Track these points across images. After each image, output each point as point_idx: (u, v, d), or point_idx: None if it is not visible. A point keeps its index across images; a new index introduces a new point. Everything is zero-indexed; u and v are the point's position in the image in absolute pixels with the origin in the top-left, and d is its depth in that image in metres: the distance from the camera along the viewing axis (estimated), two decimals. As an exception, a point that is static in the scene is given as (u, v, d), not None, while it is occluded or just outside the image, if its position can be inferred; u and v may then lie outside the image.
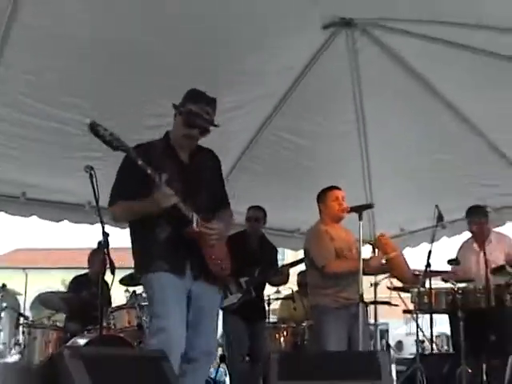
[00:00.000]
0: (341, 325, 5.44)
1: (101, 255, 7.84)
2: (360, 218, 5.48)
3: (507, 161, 7.93)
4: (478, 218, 6.91)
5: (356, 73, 7.08)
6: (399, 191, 8.58)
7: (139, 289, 6.71)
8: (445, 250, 7.40)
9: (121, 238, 6.36)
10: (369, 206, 5.66)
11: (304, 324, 7.02)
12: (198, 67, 6.24)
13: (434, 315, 6.73)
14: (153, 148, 4.23)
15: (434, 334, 9.06)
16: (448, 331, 7.26)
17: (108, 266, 4.43)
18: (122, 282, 7.43)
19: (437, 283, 6.75)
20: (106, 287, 7.55)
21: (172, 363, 3.60)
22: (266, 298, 7.63)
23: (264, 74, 6.77)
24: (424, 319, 6.89)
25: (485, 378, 6.24)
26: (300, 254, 6.58)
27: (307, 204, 8.77)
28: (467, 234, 8.15)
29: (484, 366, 6.31)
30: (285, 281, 7.47)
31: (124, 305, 7.09)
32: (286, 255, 30.44)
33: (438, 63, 6.69)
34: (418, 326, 6.63)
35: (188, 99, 4.29)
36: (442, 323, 7.02)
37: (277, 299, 8.14)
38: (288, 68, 6.93)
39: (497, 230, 7.62)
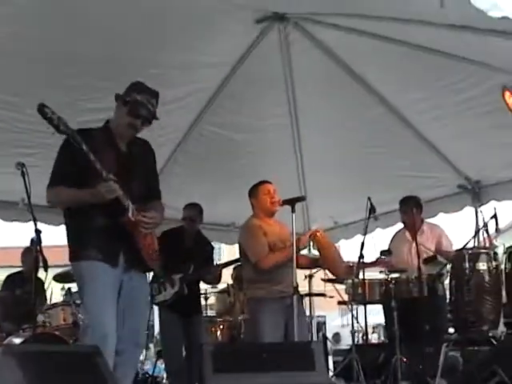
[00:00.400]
0: (276, 316, 5.44)
1: (34, 253, 7.79)
2: (293, 211, 5.48)
3: (438, 153, 8.07)
4: (409, 208, 6.99)
5: (288, 66, 7.10)
6: (332, 184, 8.66)
7: (74, 286, 6.62)
8: (382, 241, 7.46)
9: (55, 236, 6.27)
10: (301, 199, 5.67)
11: (240, 318, 7.02)
12: (126, 63, 6.18)
13: (371, 306, 6.84)
14: (93, 135, 4.22)
15: (372, 324, 9.22)
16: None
17: (41, 263, 4.31)
18: (56, 278, 7.32)
19: (370, 275, 6.83)
20: (40, 285, 7.47)
21: (106, 353, 3.63)
22: (202, 292, 7.61)
23: (196, 69, 6.74)
24: (360, 310, 6.98)
25: (419, 366, 6.36)
26: (236, 249, 6.57)
27: (241, 198, 8.83)
28: (401, 225, 8.31)
29: (418, 354, 6.43)
30: (217, 280, 7.48)
31: (59, 302, 6.94)
32: (222, 250, 30.49)
33: (368, 56, 6.76)
34: (352, 316, 6.70)
35: (133, 90, 4.33)
36: (380, 313, 7.10)
37: (213, 293, 8.12)
38: (221, 62, 6.90)
39: (429, 220, 7.73)
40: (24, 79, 6.06)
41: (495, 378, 4.33)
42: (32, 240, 4.31)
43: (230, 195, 8.77)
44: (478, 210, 8.18)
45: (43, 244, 4.41)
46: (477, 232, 6.25)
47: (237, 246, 6.14)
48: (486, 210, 8.09)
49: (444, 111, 7.27)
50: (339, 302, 7.44)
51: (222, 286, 8.47)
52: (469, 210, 8.58)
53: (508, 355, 4.44)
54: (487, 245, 6.38)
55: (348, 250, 7.61)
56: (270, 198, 5.78)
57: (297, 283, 5.35)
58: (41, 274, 7.34)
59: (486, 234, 6.67)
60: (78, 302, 6.65)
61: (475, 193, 8.43)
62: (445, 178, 8.43)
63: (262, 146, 8.26)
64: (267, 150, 8.36)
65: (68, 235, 4.31)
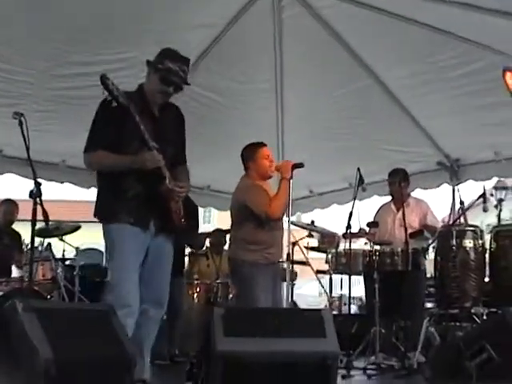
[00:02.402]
0: (267, 280, 5.48)
1: (10, 206, 7.68)
2: (291, 177, 5.51)
3: (420, 128, 8.14)
4: (397, 181, 7.03)
5: (279, 31, 7.04)
6: (311, 153, 8.60)
7: (55, 241, 6.58)
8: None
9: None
10: (299, 165, 5.61)
11: (217, 281, 7.02)
12: (117, 18, 6.14)
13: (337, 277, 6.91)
14: (132, 100, 4.17)
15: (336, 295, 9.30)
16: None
17: (42, 216, 4.25)
18: (38, 233, 7.20)
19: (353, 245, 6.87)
20: (17, 238, 7.36)
21: (126, 321, 3.78)
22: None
23: (187, 29, 6.64)
24: (337, 281, 7.03)
25: (396, 339, 6.46)
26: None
27: (218, 161, 8.81)
28: (376, 198, 8.38)
29: (396, 327, 6.52)
30: (202, 247, 7.51)
31: (38, 257, 6.84)
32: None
33: (360, 27, 6.77)
34: (330, 287, 6.76)
35: (165, 57, 4.35)
36: (356, 285, 7.17)
37: (190, 255, 8.08)
38: (212, 23, 6.82)
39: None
40: (11, 30, 5.95)
41: (483, 354, 4.39)
42: (31, 192, 4.21)
43: (206, 158, 8.69)
44: (456, 188, 8.29)
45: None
46: (466, 209, 6.34)
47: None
48: (464, 188, 8.26)
49: (431, 88, 7.29)
50: (318, 271, 7.49)
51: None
52: (445, 188, 8.71)
53: (495, 332, 4.51)
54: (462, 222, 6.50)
55: (323, 219, 7.61)
56: (270, 161, 5.74)
57: (289, 250, 5.41)
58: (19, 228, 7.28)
59: (461, 212, 6.81)
60: (58, 257, 6.63)
61: (454, 171, 8.53)
62: (425, 153, 8.50)
63: (243, 109, 8.20)
64: (248, 115, 8.29)
65: (100, 198, 4.37)
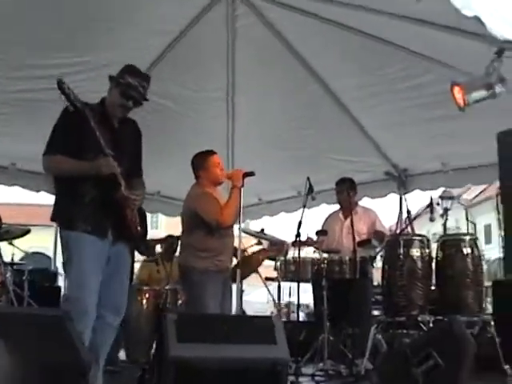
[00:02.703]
0: (216, 288, 5.54)
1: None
2: (242, 185, 5.61)
3: (369, 139, 8.27)
4: (345, 189, 7.16)
5: (232, 40, 7.13)
6: (261, 161, 8.65)
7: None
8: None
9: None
10: (250, 174, 5.69)
11: (167, 287, 7.00)
12: (65, 28, 6.16)
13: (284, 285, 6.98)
14: (92, 110, 4.34)
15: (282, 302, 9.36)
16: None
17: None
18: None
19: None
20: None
21: (82, 329, 3.89)
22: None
23: (138, 35, 6.67)
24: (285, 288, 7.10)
25: (344, 346, 6.53)
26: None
27: (169, 167, 8.80)
28: (324, 207, 8.48)
29: (344, 334, 6.60)
30: (151, 253, 7.61)
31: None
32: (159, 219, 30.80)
33: (312, 38, 6.88)
34: (279, 294, 6.81)
35: (126, 72, 4.53)
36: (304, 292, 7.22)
37: (141, 261, 8.06)
38: (165, 30, 6.87)
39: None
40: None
41: (429, 360, 4.49)
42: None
43: (157, 164, 8.68)
44: (403, 197, 8.45)
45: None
46: (413, 219, 6.46)
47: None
48: (410, 197, 8.43)
49: (380, 99, 7.44)
50: (266, 278, 7.54)
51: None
52: (393, 197, 8.86)
53: (442, 339, 4.60)
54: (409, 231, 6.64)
55: (271, 227, 7.66)
56: (220, 169, 5.82)
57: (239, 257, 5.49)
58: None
59: (408, 221, 6.94)
60: (6, 261, 6.56)
61: (401, 181, 8.68)
62: (373, 163, 8.64)
63: (195, 117, 8.24)
64: (199, 123, 8.34)
65: (57, 203, 4.46)
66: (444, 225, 13.60)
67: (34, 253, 7.78)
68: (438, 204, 15.11)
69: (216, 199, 5.69)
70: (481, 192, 29.47)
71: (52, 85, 4.21)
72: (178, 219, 6.11)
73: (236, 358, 3.72)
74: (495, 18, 3.94)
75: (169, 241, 7.94)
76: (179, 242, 6.22)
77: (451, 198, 16.42)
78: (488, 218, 29.65)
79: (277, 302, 7.96)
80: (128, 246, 4.60)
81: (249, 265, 6.64)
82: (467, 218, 15.99)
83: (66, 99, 4.11)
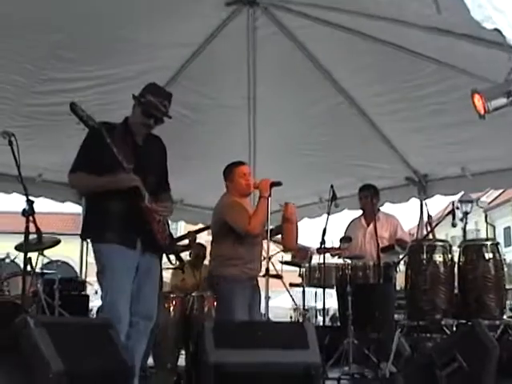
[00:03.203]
0: (244, 295, 5.67)
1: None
2: (269, 195, 5.73)
3: (390, 145, 8.36)
4: (368, 196, 7.28)
5: (253, 51, 7.19)
6: (282, 168, 8.77)
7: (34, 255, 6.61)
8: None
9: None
10: (278, 184, 5.80)
11: (194, 294, 7.10)
12: (92, 36, 6.22)
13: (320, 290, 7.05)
14: (114, 129, 4.57)
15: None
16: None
17: (35, 232, 4.42)
18: (17, 248, 7.25)
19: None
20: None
21: (120, 333, 4.04)
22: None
23: (162, 47, 6.77)
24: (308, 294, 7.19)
25: (368, 350, 6.62)
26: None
27: (191, 176, 8.92)
28: (345, 213, 8.57)
29: (368, 339, 6.69)
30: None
31: (19, 271, 6.92)
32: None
33: (333, 47, 6.94)
34: (304, 299, 6.91)
35: (148, 91, 4.70)
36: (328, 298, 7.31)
37: (168, 269, 8.18)
38: (186, 43, 6.98)
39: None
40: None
41: (454, 363, 4.58)
42: (24, 210, 4.36)
43: (179, 173, 8.80)
44: (424, 202, 8.54)
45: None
46: (435, 225, 6.55)
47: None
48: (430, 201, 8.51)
49: (401, 106, 7.51)
50: (291, 284, 7.65)
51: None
52: (413, 201, 8.95)
53: (465, 343, 4.70)
54: (430, 236, 6.72)
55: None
56: (245, 180, 5.92)
57: (267, 266, 5.58)
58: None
59: (429, 226, 7.03)
60: (38, 271, 6.68)
61: (422, 186, 8.79)
62: (394, 169, 8.74)
63: (217, 127, 8.35)
64: (221, 131, 8.45)
65: (87, 217, 4.73)
66: (464, 228, 13.61)
67: (53, 261, 7.96)
68: (457, 208, 15.16)
69: (244, 208, 5.82)
70: (499, 195, 29.34)
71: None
72: (197, 226, 6.23)
73: (271, 363, 3.86)
74: (515, 30, 4.01)
75: (197, 248, 8.05)
76: (206, 250, 6.34)
77: (471, 201, 16.40)
78: (507, 220, 29.57)
79: (301, 307, 8.06)
80: (156, 256, 4.77)
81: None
82: (486, 221, 15.92)
83: (80, 120, 4.28)
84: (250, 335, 3.99)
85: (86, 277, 12.06)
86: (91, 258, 8.51)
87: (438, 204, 29.44)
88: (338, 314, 7.74)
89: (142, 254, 4.60)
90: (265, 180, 5.87)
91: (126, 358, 3.56)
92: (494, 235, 26.06)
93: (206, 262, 8.01)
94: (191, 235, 7.60)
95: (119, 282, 4.45)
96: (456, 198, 14.92)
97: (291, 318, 20.62)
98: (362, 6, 5.86)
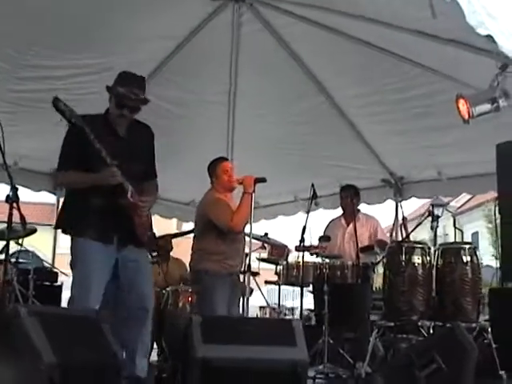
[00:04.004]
0: (225, 290, 5.73)
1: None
2: (253, 191, 5.76)
3: (367, 146, 8.44)
4: (349, 196, 7.34)
5: (236, 46, 7.21)
6: (260, 165, 8.74)
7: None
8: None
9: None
10: (262, 180, 5.83)
11: (168, 289, 7.07)
12: (75, 23, 6.18)
13: (291, 289, 7.08)
14: (95, 121, 4.54)
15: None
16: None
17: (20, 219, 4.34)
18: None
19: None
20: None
21: None
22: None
23: (146, 39, 6.74)
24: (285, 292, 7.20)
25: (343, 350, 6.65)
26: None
27: (167, 170, 8.86)
28: (321, 212, 8.61)
29: (344, 338, 6.72)
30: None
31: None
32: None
33: (316, 46, 6.99)
34: (279, 297, 6.92)
35: (117, 82, 4.65)
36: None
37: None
38: (170, 36, 6.96)
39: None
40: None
41: (433, 364, 4.62)
42: (8, 196, 4.29)
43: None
44: (399, 204, 8.63)
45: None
46: (414, 227, 6.60)
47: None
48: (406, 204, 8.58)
49: (381, 108, 7.57)
50: (266, 282, 7.66)
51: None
52: (388, 202, 9.03)
53: (445, 344, 4.73)
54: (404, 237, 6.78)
55: (269, 231, 7.76)
56: (228, 176, 5.97)
57: (249, 261, 5.62)
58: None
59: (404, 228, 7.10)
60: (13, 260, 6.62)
61: (398, 188, 8.87)
62: (371, 170, 8.82)
63: (196, 121, 8.34)
64: (199, 126, 8.43)
65: (66, 210, 4.69)
66: (435, 232, 13.67)
67: (21, 251, 7.78)
68: (429, 212, 15.27)
69: (228, 205, 5.85)
70: (468, 200, 29.59)
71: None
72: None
73: (258, 359, 3.86)
74: (506, 36, 4.06)
75: (166, 240, 8.02)
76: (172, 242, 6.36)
77: (442, 205, 16.51)
78: (476, 225, 29.84)
79: (271, 305, 8.09)
80: (141, 250, 4.74)
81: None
82: (455, 226, 16.07)
83: (62, 116, 4.27)
84: (238, 331, 3.98)
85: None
86: (60, 249, 8.48)
87: (410, 205, 29.64)
88: (310, 314, 7.77)
89: (120, 249, 4.58)
90: (249, 176, 5.89)
91: (117, 352, 3.53)
92: (462, 240, 26.17)
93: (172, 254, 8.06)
94: (167, 238, 7.58)
95: (90, 274, 4.44)
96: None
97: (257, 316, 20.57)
98: (348, 6, 5.89)
